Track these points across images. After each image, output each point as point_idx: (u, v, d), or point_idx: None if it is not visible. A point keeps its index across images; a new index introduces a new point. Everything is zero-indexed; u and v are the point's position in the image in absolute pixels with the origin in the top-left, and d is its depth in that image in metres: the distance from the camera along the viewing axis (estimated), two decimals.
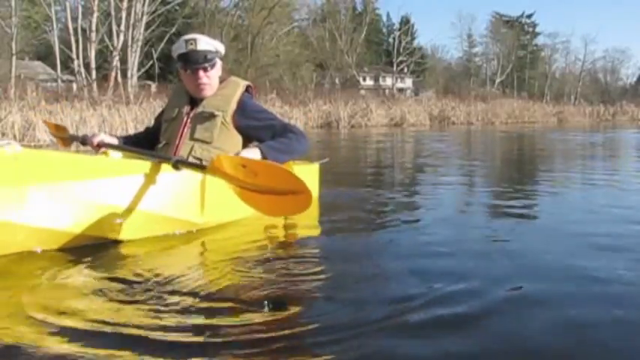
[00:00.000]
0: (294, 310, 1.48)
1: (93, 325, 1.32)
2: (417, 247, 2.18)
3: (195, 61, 2.44)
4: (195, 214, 2.28)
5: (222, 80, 2.58)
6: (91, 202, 1.98)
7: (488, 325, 1.37)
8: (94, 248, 2.00)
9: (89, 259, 1.89)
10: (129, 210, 2.06)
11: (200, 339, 1.27)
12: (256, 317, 1.39)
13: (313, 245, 2.22)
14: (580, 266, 1.86)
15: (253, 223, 2.47)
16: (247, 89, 2.59)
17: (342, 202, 3.22)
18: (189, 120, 2.50)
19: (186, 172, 2.21)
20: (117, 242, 2.07)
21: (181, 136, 2.48)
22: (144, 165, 2.15)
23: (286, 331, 1.32)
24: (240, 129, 2.50)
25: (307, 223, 2.58)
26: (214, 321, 1.38)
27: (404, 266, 1.87)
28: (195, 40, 2.45)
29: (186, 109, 2.54)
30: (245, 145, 2.51)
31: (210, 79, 2.50)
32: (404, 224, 2.63)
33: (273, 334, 1.30)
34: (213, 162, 1.98)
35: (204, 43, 2.47)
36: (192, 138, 2.46)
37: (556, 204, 3.31)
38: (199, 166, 2.13)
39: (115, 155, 2.30)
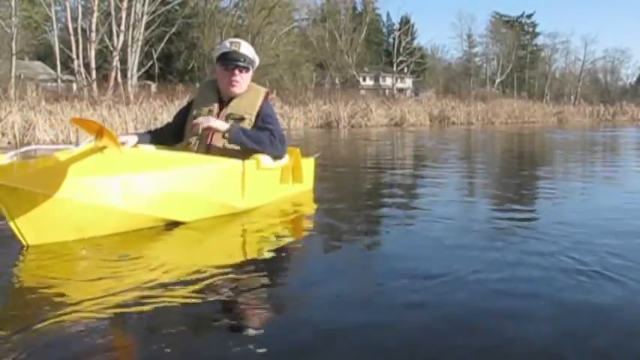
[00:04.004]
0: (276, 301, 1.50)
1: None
2: (408, 243, 2.19)
3: (234, 59, 2.82)
4: (238, 199, 2.68)
5: None
6: (161, 190, 2.31)
7: (482, 326, 1.38)
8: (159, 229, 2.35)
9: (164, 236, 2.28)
10: (190, 197, 2.42)
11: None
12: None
13: (308, 235, 2.37)
14: (579, 267, 1.86)
15: (265, 209, 2.85)
16: (265, 95, 2.98)
17: (338, 196, 3.35)
18: (219, 118, 2.81)
19: (230, 165, 2.61)
20: (180, 224, 2.40)
21: (213, 133, 2.78)
22: (200, 158, 2.57)
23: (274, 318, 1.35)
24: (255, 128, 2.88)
25: (306, 211, 2.99)
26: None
27: (392, 256, 1.89)
28: (239, 43, 2.89)
29: (216, 108, 2.88)
30: None
31: (242, 80, 2.87)
32: (394, 213, 2.69)
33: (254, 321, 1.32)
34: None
35: (245, 48, 2.88)
36: (224, 135, 2.77)
37: (554, 201, 3.31)
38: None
39: (146, 148, 2.68)
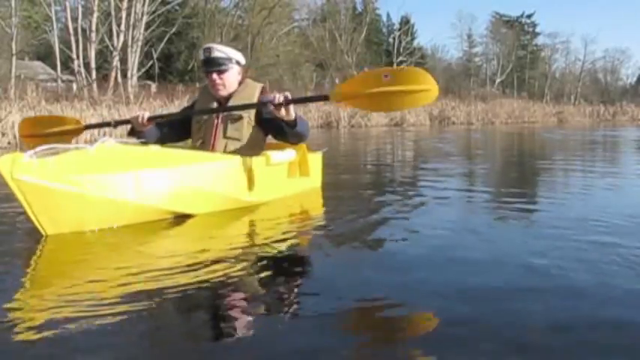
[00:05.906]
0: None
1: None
2: (415, 240, 2.19)
3: (210, 65, 2.90)
4: (246, 194, 2.81)
5: (239, 82, 3.00)
6: (172, 185, 2.45)
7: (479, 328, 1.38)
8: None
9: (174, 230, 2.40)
10: (199, 191, 2.56)
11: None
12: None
13: (316, 229, 2.44)
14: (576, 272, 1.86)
15: (276, 204, 2.98)
16: (262, 90, 3.01)
17: (345, 193, 3.37)
18: (219, 120, 2.91)
19: (238, 161, 2.72)
20: (189, 216, 2.54)
21: (215, 135, 2.89)
22: (210, 156, 2.70)
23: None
24: (260, 124, 2.93)
25: (313, 207, 3.12)
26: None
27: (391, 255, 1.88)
28: (210, 48, 2.93)
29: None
30: (266, 135, 3.00)
31: (224, 81, 2.92)
32: (394, 209, 2.69)
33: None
34: (335, 94, 2.64)
35: (217, 51, 2.92)
36: (225, 136, 2.88)
37: (554, 202, 3.31)
38: (320, 97, 2.96)
39: (155, 148, 2.73)
